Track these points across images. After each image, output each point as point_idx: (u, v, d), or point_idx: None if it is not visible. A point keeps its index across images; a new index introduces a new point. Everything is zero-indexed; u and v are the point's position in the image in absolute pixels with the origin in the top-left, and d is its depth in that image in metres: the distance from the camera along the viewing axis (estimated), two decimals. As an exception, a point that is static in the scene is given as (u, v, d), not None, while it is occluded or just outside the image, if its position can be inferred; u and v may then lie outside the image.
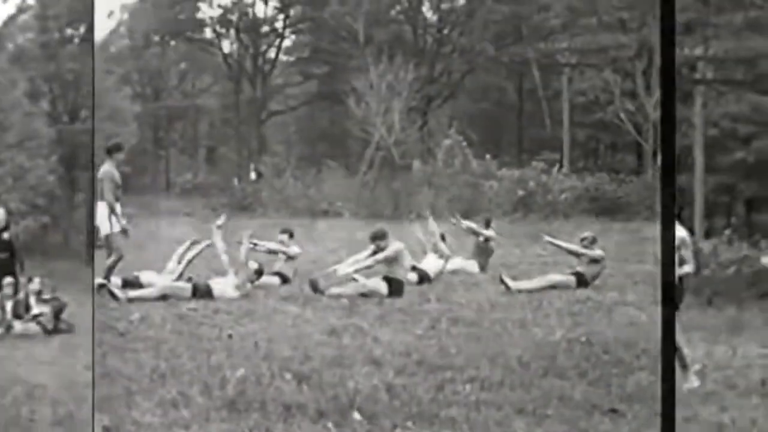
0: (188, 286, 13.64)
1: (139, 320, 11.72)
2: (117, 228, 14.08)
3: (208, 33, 39.04)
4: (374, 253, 14.28)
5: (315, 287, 13.99)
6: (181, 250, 15.36)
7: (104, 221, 14.08)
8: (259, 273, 14.39)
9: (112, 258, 14.09)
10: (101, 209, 14.12)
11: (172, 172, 39.69)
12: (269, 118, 39.45)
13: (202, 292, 13.45)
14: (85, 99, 24.59)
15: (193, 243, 15.37)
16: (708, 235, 22.01)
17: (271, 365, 9.25)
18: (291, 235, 16.05)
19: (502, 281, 14.43)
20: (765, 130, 24.72)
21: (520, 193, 26.98)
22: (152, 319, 11.75)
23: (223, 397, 8.26)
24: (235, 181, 34.69)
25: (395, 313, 12.43)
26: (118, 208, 14.14)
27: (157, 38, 38.64)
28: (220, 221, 14.89)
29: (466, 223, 17.52)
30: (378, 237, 14.38)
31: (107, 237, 14.12)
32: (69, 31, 25.64)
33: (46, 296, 13.42)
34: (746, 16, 22.87)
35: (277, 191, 30.68)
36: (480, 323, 11.72)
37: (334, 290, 13.88)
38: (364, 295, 13.76)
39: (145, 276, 14.32)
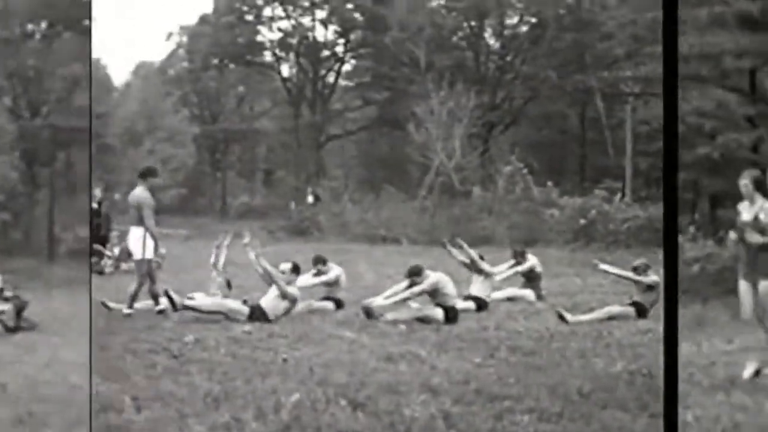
0: (245, 308, 13.58)
1: (193, 342, 11.65)
2: (150, 254, 14.01)
3: (268, 56, 39.31)
4: (410, 286, 14.12)
5: (369, 313, 13.86)
6: (212, 259, 15.54)
7: (138, 246, 13.98)
8: (296, 270, 14.36)
9: (136, 284, 14.03)
10: (136, 233, 14.03)
11: (228, 195, 39.89)
12: (328, 142, 39.56)
13: (257, 314, 13.37)
14: (47, 95, 24.42)
15: (218, 248, 15.55)
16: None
17: (326, 391, 9.09)
18: (324, 262, 15.85)
19: (559, 316, 14.16)
20: (729, 125, 24.32)
21: (582, 221, 26.67)
22: (206, 342, 11.69)
23: (277, 422, 8.11)
24: (292, 204, 34.70)
25: (453, 340, 12.26)
26: (155, 233, 14.11)
27: (215, 61, 38.86)
28: (246, 239, 14.87)
29: (503, 274, 16.99)
30: (413, 273, 14.27)
31: (139, 262, 14.06)
32: (30, 27, 25.33)
33: (7, 294, 13.42)
34: (711, 12, 22.62)
35: (334, 216, 30.66)
36: (539, 352, 11.52)
37: (390, 316, 13.73)
38: (420, 320, 13.61)
39: (198, 297, 14.26)
